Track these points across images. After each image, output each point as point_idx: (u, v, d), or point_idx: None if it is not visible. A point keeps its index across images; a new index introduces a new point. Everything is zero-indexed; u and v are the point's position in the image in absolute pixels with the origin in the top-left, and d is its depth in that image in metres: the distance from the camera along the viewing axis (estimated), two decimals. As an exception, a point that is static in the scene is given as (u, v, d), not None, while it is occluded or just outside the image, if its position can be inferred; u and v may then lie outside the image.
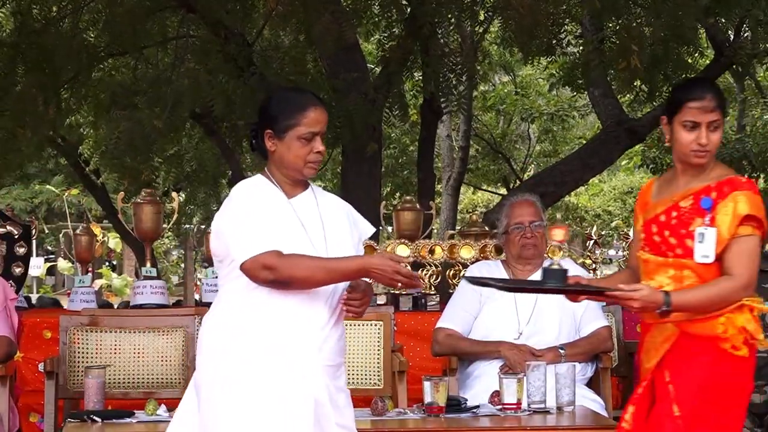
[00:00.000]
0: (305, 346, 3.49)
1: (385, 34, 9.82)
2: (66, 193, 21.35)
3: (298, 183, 3.66)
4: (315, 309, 3.52)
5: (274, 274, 3.45)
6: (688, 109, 3.60)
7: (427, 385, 4.35)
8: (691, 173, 3.65)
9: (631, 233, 6.65)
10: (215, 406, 3.50)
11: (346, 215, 3.73)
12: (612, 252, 14.07)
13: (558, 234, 3.61)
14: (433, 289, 6.83)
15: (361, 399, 4.57)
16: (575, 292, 3.65)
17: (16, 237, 7.05)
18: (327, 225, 3.62)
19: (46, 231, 24.80)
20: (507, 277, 5.06)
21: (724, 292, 3.52)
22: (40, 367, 5.79)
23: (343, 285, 3.57)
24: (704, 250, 3.52)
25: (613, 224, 22.82)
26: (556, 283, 3.58)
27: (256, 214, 3.52)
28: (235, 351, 3.50)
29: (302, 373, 3.47)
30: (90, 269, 7.23)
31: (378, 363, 5.19)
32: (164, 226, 7.18)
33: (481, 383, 4.87)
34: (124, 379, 5.09)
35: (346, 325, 3.86)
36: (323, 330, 3.53)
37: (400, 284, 3.52)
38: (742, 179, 3.61)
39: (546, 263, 3.95)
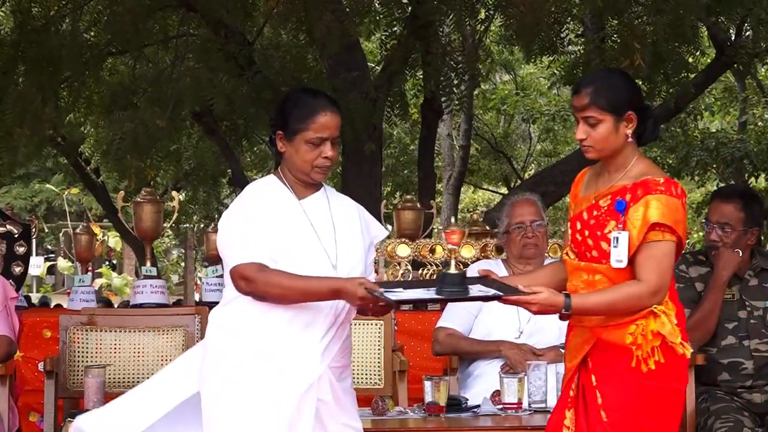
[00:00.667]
0: (306, 351, 3.48)
1: (387, 33, 9.81)
2: (66, 192, 21.34)
3: (310, 184, 3.64)
4: (317, 316, 3.50)
5: (250, 287, 3.45)
6: (573, 105, 3.57)
7: (427, 384, 4.34)
8: (610, 167, 3.56)
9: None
10: (215, 404, 3.51)
11: (359, 218, 3.70)
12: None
13: (454, 237, 3.54)
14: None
15: (361, 398, 4.53)
16: (471, 299, 3.56)
17: (16, 236, 7.04)
18: (338, 227, 3.60)
19: (46, 230, 24.79)
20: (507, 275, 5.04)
21: (630, 298, 3.41)
22: (40, 366, 5.77)
23: None
24: (618, 254, 3.43)
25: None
26: (453, 290, 3.45)
27: (254, 221, 3.49)
28: (234, 352, 3.50)
29: (302, 376, 3.46)
30: (90, 268, 7.21)
31: (378, 362, 5.17)
32: (164, 225, 7.17)
33: (482, 383, 4.85)
34: (123, 378, 5.06)
35: (347, 324, 3.85)
36: (326, 337, 3.52)
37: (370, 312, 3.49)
38: (659, 180, 3.44)
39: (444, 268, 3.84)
